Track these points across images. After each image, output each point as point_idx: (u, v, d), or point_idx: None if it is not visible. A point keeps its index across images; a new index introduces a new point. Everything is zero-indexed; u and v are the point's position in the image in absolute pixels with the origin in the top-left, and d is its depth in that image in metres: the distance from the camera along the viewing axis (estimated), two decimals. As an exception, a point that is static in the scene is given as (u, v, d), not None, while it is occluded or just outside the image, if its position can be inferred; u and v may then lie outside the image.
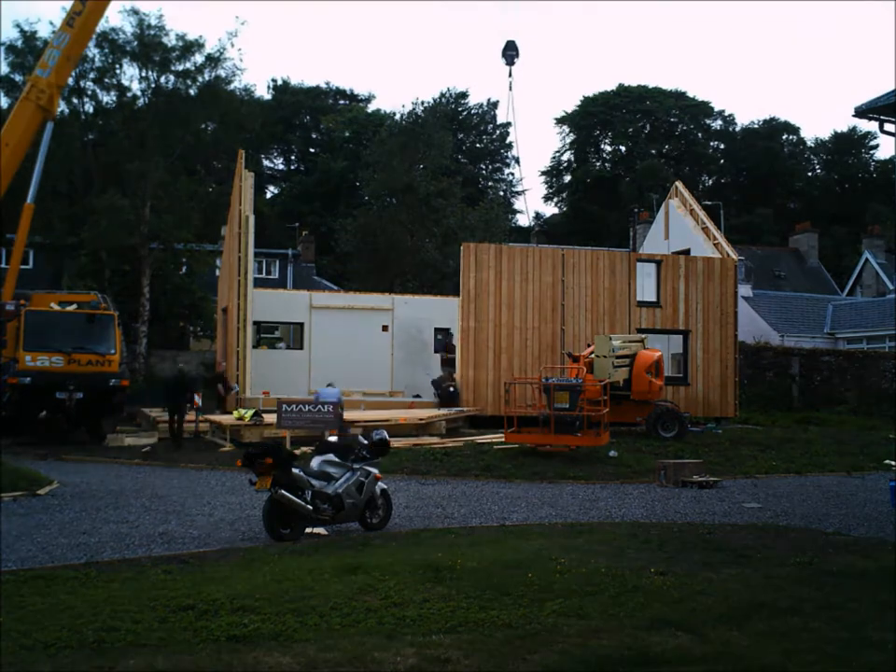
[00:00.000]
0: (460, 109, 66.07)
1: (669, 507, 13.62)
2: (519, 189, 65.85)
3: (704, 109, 70.80)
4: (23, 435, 19.86)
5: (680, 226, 29.70)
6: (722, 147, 71.40)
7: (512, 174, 69.15)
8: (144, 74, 34.41)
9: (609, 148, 72.58)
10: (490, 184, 65.86)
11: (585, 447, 18.43)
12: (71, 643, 6.10)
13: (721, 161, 71.24)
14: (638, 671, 5.73)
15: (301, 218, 54.58)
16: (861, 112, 13.97)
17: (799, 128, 75.08)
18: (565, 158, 72.10)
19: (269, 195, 62.79)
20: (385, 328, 25.85)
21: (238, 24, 58.32)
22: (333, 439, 12.48)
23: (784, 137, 68.64)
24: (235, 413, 20.56)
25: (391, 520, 11.74)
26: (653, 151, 69.13)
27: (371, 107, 68.19)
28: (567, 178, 72.38)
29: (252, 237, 23.24)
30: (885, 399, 30.30)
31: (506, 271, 23.64)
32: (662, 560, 9.12)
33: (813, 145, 70.24)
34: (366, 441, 11.50)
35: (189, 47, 34.26)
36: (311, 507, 10.29)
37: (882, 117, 13.62)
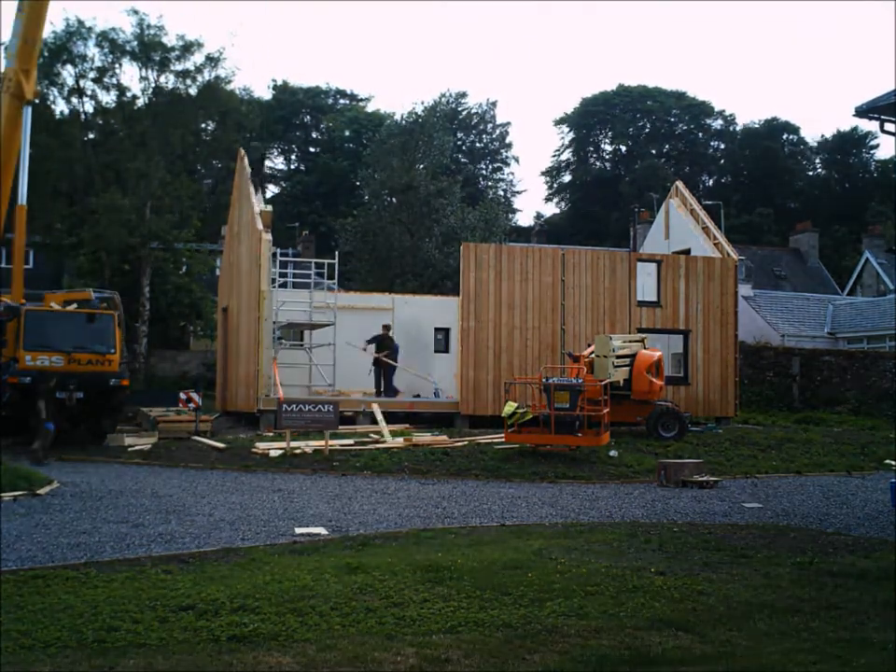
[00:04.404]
0: (460, 109, 66.11)
1: (669, 507, 13.62)
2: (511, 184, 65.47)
3: (704, 109, 70.82)
4: (23, 435, 19.83)
5: (681, 226, 29.65)
6: (723, 146, 71.42)
7: (513, 173, 69.23)
8: (144, 73, 34.46)
9: (609, 148, 72.65)
10: (489, 184, 65.88)
11: (585, 447, 18.42)
12: (71, 643, 6.10)
13: (722, 160, 71.27)
14: (638, 671, 5.73)
15: (300, 218, 54.61)
16: (862, 112, 13.96)
17: (799, 128, 75.13)
18: (564, 157, 72.18)
19: (269, 195, 62.85)
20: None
21: (238, 24, 58.38)
22: None
23: (784, 137, 68.64)
24: None
25: (391, 519, 11.73)
26: (653, 151, 69.16)
27: (371, 107, 68.27)
28: (568, 178, 72.42)
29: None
30: (885, 398, 30.27)
31: (506, 270, 23.61)
32: (662, 560, 9.13)
33: (813, 144, 70.28)
34: None
35: (189, 46, 34.30)
36: None
37: (882, 116, 13.61)
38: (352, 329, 24.18)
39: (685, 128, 70.80)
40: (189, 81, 34.72)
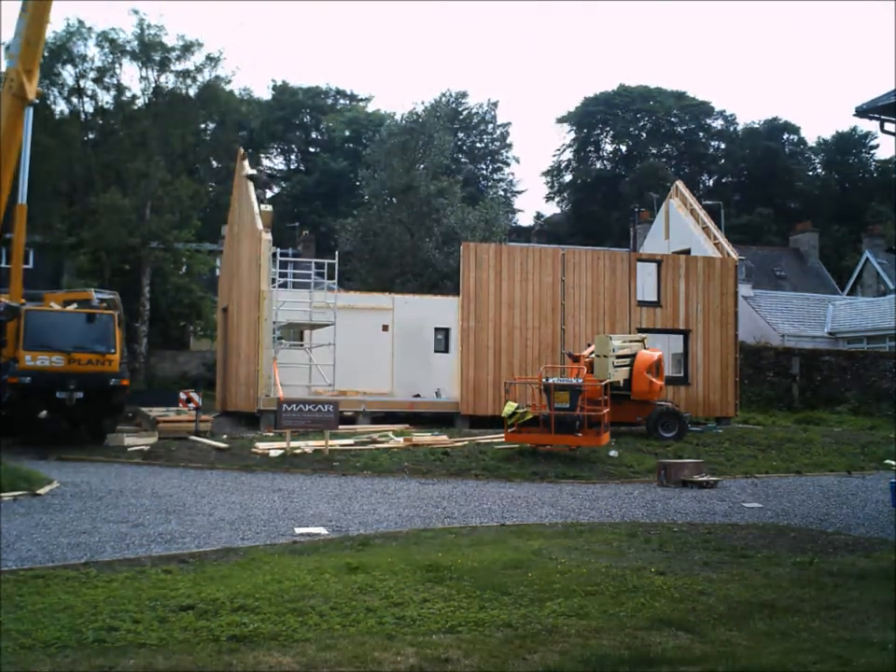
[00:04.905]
0: (460, 109, 66.14)
1: (669, 507, 13.62)
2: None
3: (704, 109, 70.84)
4: (23, 435, 19.84)
5: (681, 226, 29.67)
6: (723, 146, 71.44)
7: (513, 173, 69.29)
8: (144, 73, 34.45)
9: (609, 148, 72.68)
10: (489, 184, 65.93)
11: (585, 447, 18.42)
12: (71, 643, 6.09)
13: (722, 160, 71.27)
14: (638, 671, 5.73)
15: (300, 218, 54.64)
16: (862, 112, 13.94)
17: (799, 128, 75.19)
18: (565, 157, 72.23)
19: (269, 195, 62.86)
20: (385, 327, 25.84)
21: (238, 24, 58.55)
22: None
23: (785, 137, 68.66)
24: None
25: (391, 519, 11.74)
26: (654, 151, 69.16)
27: (371, 107, 68.33)
28: (568, 178, 72.44)
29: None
30: (885, 398, 30.28)
31: (506, 270, 23.61)
32: (662, 560, 9.13)
33: (814, 144, 70.33)
34: None
35: (189, 46, 34.30)
36: None
37: (882, 116, 13.60)
38: (352, 329, 24.18)
39: (685, 128, 70.80)
40: (189, 81, 34.73)
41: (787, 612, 7.14)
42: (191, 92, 34.80)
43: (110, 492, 13.86)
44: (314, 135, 68.58)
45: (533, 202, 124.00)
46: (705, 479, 16.00)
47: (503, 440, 18.71)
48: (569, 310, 23.93)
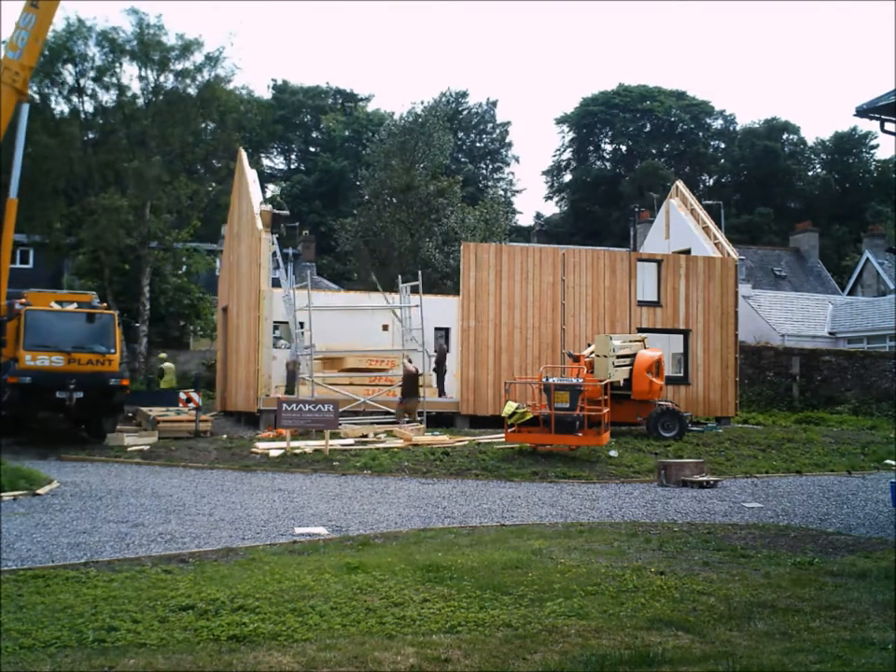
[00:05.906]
0: (460, 109, 66.16)
1: (669, 507, 13.61)
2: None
3: (704, 109, 70.85)
4: (23, 435, 19.83)
5: (681, 225, 29.66)
6: (723, 146, 71.44)
7: (513, 173, 69.40)
8: (143, 73, 34.46)
9: (609, 148, 72.68)
10: (489, 184, 65.96)
11: (585, 447, 18.42)
12: (71, 643, 6.10)
13: (722, 160, 71.28)
14: (638, 671, 5.73)
15: (301, 218, 54.64)
16: (862, 112, 13.93)
17: (799, 128, 75.24)
18: (565, 157, 72.22)
19: (269, 194, 62.87)
20: (385, 327, 25.82)
21: (238, 24, 58.61)
22: None
23: (784, 137, 68.66)
24: None
25: (391, 519, 11.74)
26: (654, 151, 69.17)
27: (371, 107, 68.35)
28: (568, 178, 72.45)
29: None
30: (885, 398, 30.27)
31: (506, 270, 23.61)
32: (662, 560, 9.12)
33: (814, 144, 70.31)
34: None
35: (189, 46, 34.32)
36: None
37: (882, 116, 13.59)
38: (353, 328, 24.18)
39: (685, 128, 70.81)
40: (188, 81, 34.74)
41: (787, 612, 7.14)
42: (191, 92, 34.81)
43: (110, 492, 13.86)
44: (314, 135, 68.59)
45: (533, 202, 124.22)
46: (705, 479, 16.00)
47: (503, 440, 18.70)
48: (569, 310, 23.92)
